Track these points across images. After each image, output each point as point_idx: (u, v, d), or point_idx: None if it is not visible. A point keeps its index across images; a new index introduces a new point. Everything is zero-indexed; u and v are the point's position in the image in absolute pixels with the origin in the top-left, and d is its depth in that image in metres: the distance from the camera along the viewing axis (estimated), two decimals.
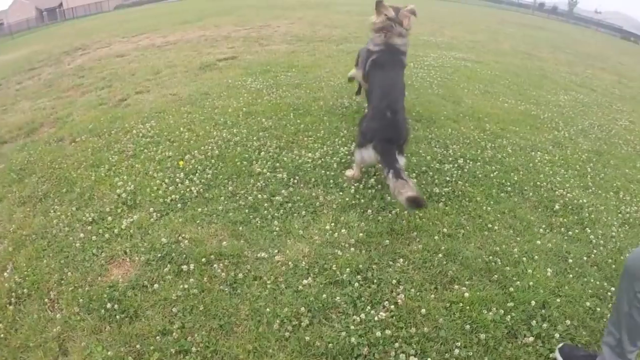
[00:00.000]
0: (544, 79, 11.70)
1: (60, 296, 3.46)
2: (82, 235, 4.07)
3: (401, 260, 3.68)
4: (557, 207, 4.74)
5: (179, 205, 4.41)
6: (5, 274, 3.75)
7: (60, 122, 7.29)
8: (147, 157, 5.40)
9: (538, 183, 5.19)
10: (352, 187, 4.62)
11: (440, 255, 3.75)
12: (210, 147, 5.50)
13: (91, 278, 3.59)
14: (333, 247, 3.79)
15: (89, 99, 8.52)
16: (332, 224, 4.07)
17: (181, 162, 5.17)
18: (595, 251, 4.07)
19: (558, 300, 3.41)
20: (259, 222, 4.12)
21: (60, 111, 7.96)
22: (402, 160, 4.27)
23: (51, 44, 20.48)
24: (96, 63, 12.51)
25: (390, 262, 3.66)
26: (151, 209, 4.34)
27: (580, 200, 4.94)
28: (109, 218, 4.27)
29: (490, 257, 3.80)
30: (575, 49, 21.93)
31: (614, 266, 3.88)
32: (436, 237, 3.96)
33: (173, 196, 4.53)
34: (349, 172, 4.81)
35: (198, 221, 4.16)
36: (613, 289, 3.54)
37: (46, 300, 3.44)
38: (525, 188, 5.03)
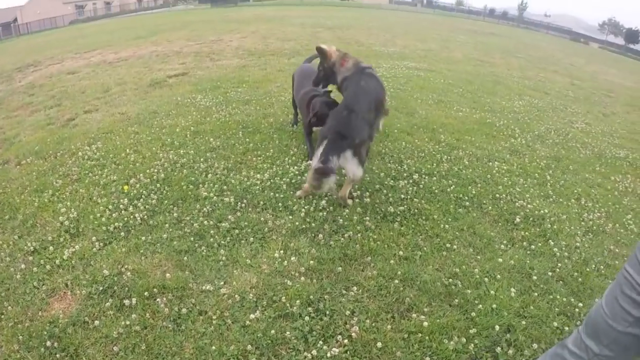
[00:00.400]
0: (498, 85, 11.76)
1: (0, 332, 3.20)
2: (23, 266, 3.79)
3: (355, 288, 3.44)
4: (517, 219, 4.58)
5: (122, 233, 4.13)
6: None
7: (7, 143, 6.99)
8: (92, 182, 5.12)
9: (497, 195, 5.04)
10: (303, 210, 4.38)
11: (396, 281, 3.52)
12: (156, 170, 5.23)
13: (32, 312, 3.33)
14: (282, 277, 3.54)
15: (38, 118, 8.21)
16: (282, 251, 3.81)
17: (126, 187, 4.89)
18: (559, 265, 3.94)
19: (523, 322, 3.22)
20: (204, 251, 3.84)
21: (8, 131, 7.65)
22: (351, 160, 4.14)
23: (4, 59, 19.86)
24: (47, 80, 12.15)
25: (344, 291, 3.42)
26: (94, 238, 4.05)
27: (542, 211, 4.81)
28: (51, 248, 3.98)
29: (450, 280, 3.59)
30: (526, 53, 22.32)
31: (580, 279, 3.76)
32: (392, 261, 3.74)
33: (116, 224, 4.24)
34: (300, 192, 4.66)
35: (142, 251, 3.88)
36: (581, 304, 3.43)
37: None
38: (484, 202, 4.87)
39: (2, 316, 3.32)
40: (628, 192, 5.85)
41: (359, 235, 4.03)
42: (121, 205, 4.55)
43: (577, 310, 3.38)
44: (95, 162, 5.64)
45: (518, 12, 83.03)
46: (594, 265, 4.00)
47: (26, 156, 6.10)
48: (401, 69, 12.02)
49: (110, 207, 4.54)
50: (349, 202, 4.54)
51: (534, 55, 22.47)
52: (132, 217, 4.35)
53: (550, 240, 4.30)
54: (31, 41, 32.84)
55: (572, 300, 3.50)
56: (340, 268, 3.63)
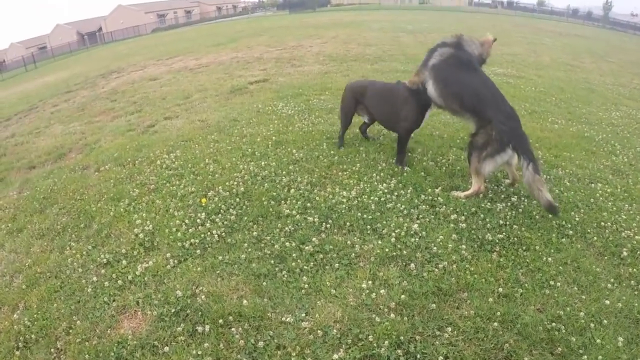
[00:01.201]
0: (592, 93, 11.12)
1: (67, 347, 3.18)
2: (95, 279, 3.76)
3: (449, 329, 3.12)
4: (624, 253, 4.10)
5: (198, 251, 3.99)
6: (15, 315, 3.54)
7: (88, 149, 7.15)
8: (169, 192, 5.06)
9: (602, 223, 4.56)
10: (393, 234, 4.08)
11: (495, 323, 3.18)
12: (235, 183, 5.10)
13: (100, 330, 3.27)
14: (370, 311, 3.26)
15: (118, 124, 8.40)
16: (369, 282, 3.53)
17: (204, 200, 4.77)
18: None
19: None
20: (285, 276, 3.62)
21: (89, 137, 7.86)
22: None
23: (88, 67, 20.83)
24: (129, 86, 12.58)
25: (437, 332, 3.12)
26: (168, 254, 3.94)
27: None
28: (124, 261, 3.92)
29: (553, 324, 3.22)
30: (617, 57, 21.15)
31: None
32: (490, 299, 3.40)
33: (193, 240, 4.12)
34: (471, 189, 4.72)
35: (218, 271, 3.72)
36: None
37: (52, 350, 3.19)
38: (588, 230, 4.42)
39: (71, 330, 3.29)
40: None
41: (454, 266, 3.71)
42: (198, 220, 4.43)
43: None
44: (173, 172, 5.60)
45: (603, 11, 79.21)
46: None
47: (105, 162, 6.18)
48: (490, 76, 11.41)
49: (186, 221, 4.43)
50: None
51: (625, 59, 21.24)
52: (209, 233, 4.21)
53: None
54: (115, 49, 34.49)
55: None
56: (434, 305, 3.32)
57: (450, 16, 42.99)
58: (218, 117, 7.78)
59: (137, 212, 4.71)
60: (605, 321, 3.28)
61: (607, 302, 3.46)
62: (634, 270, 3.90)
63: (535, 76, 12.36)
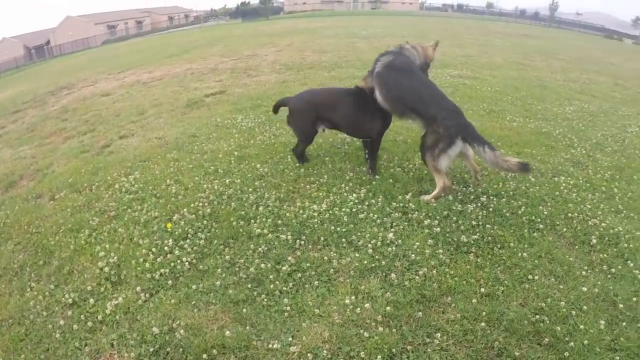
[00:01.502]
0: (545, 90, 11.38)
1: None
2: (62, 322, 3.53)
3: (439, 334, 3.12)
4: (594, 240, 4.26)
5: (169, 281, 3.81)
6: None
7: (40, 175, 6.79)
8: (131, 219, 4.82)
9: (569, 214, 4.70)
10: (369, 245, 4.05)
11: (482, 323, 3.21)
12: (201, 204, 4.92)
13: None
14: (357, 327, 3.22)
15: (71, 145, 8.04)
16: (352, 297, 3.49)
17: (169, 225, 4.57)
18: None
19: (617, 357, 3.00)
20: (265, 300, 3.53)
21: (41, 161, 7.48)
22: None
23: (37, 83, 20.17)
24: (80, 104, 12.13)
25: (427, 339, 3.11)
26: (138, 288, 3.75)
27: (616, 229, 4.48)
28: (91, 300, 3.70)
29: (537, 316, 3.29)
30: (565, 54, 21.78)
31: None
32: (474, 300, 3.42)
33: (162, 270, 3.93)
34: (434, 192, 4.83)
35: (193, 302, 3.57)
36: None
37: None
38: (557, 223, 4.54)
39: None
40: None
41: (434, 271, 3.72)
42: (166, 247, 4.23)
43: None
44: (133, 196, 5.36)
45: (549, 11, 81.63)
46: None
47: (60, 189, 5.88)
48: (445, 78, 11.71)
49: (153, 249, 4.23)
50: None
51: (573, 55, 21.91)
52: (179, 261, 4.03)
53: (629, 262, 4.00)
54: (64, 63, 33.49)
55: None
56: (420, 312, 3.31)
57: (402, 20, 43.63)
58: (176, 134, 7.59)
59: (99, 244, 4.47)
60: (585, 307, 3.40)
61: (584, 288, 3.58)
62: (605, 255, 4.07)
63: (490, 76, 12.59)
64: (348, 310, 3.36)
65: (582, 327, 3.20)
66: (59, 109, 12.05)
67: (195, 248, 4.19)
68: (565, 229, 4.45)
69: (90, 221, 4.90)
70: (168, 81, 13.46)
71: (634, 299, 3.53)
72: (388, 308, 3.34)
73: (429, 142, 4.76)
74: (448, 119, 4.67)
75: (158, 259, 4.08)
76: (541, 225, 4.46)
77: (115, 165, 6.38)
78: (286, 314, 3.37)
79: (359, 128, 5.43)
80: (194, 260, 4.04)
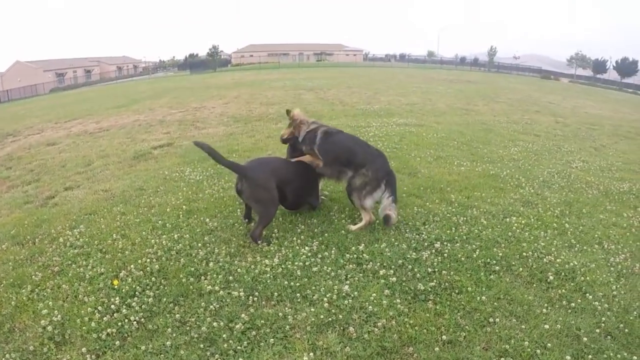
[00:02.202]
0: (489, 133, 11.74)
1: None
2: None
3: None
4: (550, 277, 4.31)
5: (117, 342, 3.53)
6: None
7: None
8: (76, 275, 4.53)
9: (524, 254, 4.76)
10: (324, 298, 3.93)
11: None
12: (149, 260, 4.69)
13: None
14: None
15: (15, 195, 7.67)
16: (310, 353, 3.32)
17: (116, 282, 4.32)
18: (603, 319, 3.72)
19: None
20: None
21: None
22: None
23: None
24: (25, 152, 11.72)
25: None
26: (84, 349, 3.46)
27: (571, 263, 4.59)
28: None
29: (502, 359, 3.24)
30: (506, 97, 22.64)
31: (626, 330, 3.58)
32: (436, 348, 3.33)
33: (109, 329, 3.65)
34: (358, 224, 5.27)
35: None
36: (635, 357, 3.27)
37: None
38: (513, 263, 4.57)
39: None
40: None
41: (393, 322, 3.62)
42: (112, 306, 3.95)
43: None
44: (78, 250, 5.06)
45: (488, 57, 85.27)
46: (635, 312, 3.85)
47: (2, 242, 5.51)
48: (392, 127, 11.95)
49: (99, 307, 3.94)
50: None
51: (513, 97, 22.79)
52: (126, 320, 3.77)
53: (587, 294, 4.07)
54: (11, 109, 32.54)
55: (626, 354, 3.32)
56: None
57: (347, 72, 44.69)
58: (123, 186, 7.37)
59: (42, 300, 4.14)
60: (549, 344, 3.39)
61: (547, 326, 3.58)
62: (563, 291, 4.11)
63: (435, 123, 12.90)
64: None
65: None
66: (4, 156, 11.61)
67: (143, 306, 3.95)
68: (521, 269, 4.47)
69: (33, 276, 4.57)
70: (115, 132, 13.28)
71: (597, 330, 3.56)
72: None
73: (357, 184, 5.26)
74: (375, 163, 5.29)
75: (104, 318, 3.80)
76: (497, 267, 4.46)
77: (59, 218, 6.09)
78: None
79: (304, 198, 5.66)
80: (142, 319, 3.79)
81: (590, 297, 4.02)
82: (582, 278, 4.33)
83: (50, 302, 4.05)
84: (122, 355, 3.41)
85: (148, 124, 14.22)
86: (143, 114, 16.63)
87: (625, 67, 75.41)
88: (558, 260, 4.64)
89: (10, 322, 3.86)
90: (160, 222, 5.62)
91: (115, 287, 4.25)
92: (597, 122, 16.10)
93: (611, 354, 3.29)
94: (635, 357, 3.25)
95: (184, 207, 6.09)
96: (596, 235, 5.38)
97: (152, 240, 5.13)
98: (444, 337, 3.45)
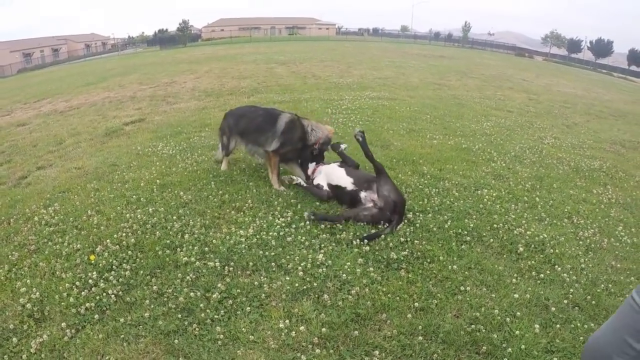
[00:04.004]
0: (462, 108, 11.84)
1: None
2: None
3: (377, 352, 3.06)
4: (520, 248, 4.40)
5: (96, 315, 3.54)
6: None
7: None
8: (52, 252, 4.49)
9: (495, 225, 4.85)
10: (299, 267, 3.97)
11: (419, 337, 3.19)
12: (124, 234, 4.68)
13: None
14: (294, 351, 3.12)
15: None
16: (286, 320, 3.38)
17: (92, 257, 4.30)
18: (571, 290, 3.83)
19: (555, 358, 3.07)
20: (197, 329, 3.35)
21: None
22: None
23: None
24: None
25: (365, 358, 3.04)
26: (63, 324, 3.46)
27: (541, 236, 4.70)
28: (14, 339, 3.35)
29: (472, 326, 3.31)
30: (479, 73, 22.76)
31: (593, 302, 3.69)
32: (409, 315, 3.40)
33: (88, 304, 3.65)
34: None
35: (122, 335, 3.34)
36: None
37: None
38: (484, 234, 4.67)
39: None
40: (612, 204, 5.94)
41: (367, 289, 3.68)
42: (90, 280, 3.95)
43: None
44: (54, 228, 5.02)
45: (462, 33, 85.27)
46: (602, 285, 3.96)
47: None
48: (364, 100, 11.99)
49: (77, 283, 3.93)
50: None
51: (487, 74, 22.92)
52: (104, 294, 3.77)
53: (556, 266, 4.18)
54: None
55: (593, 325, 3.40)
56: (356, 332, 3.24)
57: (320, 45, 44.41)
58: (95, 163, 7.30)
59: (19, 279, 4.09)
60: (518, 313, 3.47)
61: (516, 295, 3.67)
62: (532, 262, 4.22)
63: (408, 97, 12.98)
64: (283, 334, 3.25)
65: (517, 332, 3.25)
66: None
67: (120, 280, 3.95)
68: (492, 240, 4.57)
69: (10, 256, 4.52)
70: (86, 110, 13.05)
71: (565, 301, 3.67)
72: (323, 329, 3.26)
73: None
74: None
75: (83, 293, 3.79)
76: (468, 238, 4.55)
77: (33, 197, 6.01)
78: (219, 342, 3.22)
79: None
80: (120, 293, 3.79)
81: (559, 269, 4.14)
82: (552, 250, 4.44)
83: (28, 280, 4.02)
84: (101, 328, 3.41)
85: (119, 100, 14.03)
86: (113, 91, 16.39)
87: (600, 48, 76.31)
88: (528, 232, 4.75)
89: None
90: (134, 196, 5.60)
91: (92, 262, 4.23)
92: (570, 100, 16.31)
93: (578, 324, 3.39)
94: None
95: (157, 181, 6.07)
96: (566, 210, 5.50)
97: (127, 215, 5.12)
98: (416, 304, 3.52)
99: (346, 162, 5.57)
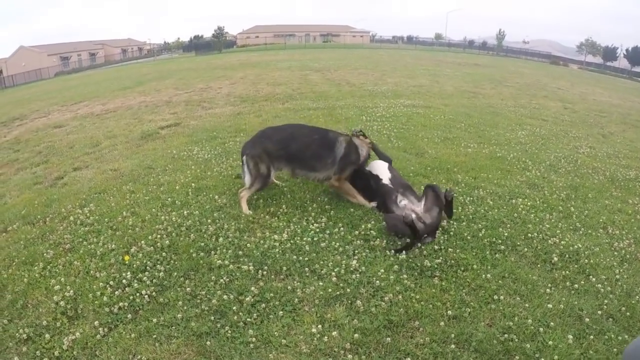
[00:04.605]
0: (497, 116, 11.70)
1: None
2: (16, 358, 3.27)
3: (409, 359, 3.07)
4: (555, 258, 4.36)
5: (129, 315, 3.60)
6: None
7: None
8: (87, 252, 4.57)
9: (529, 235, 4.80)
10: (332, 273, 3.99)
11: (452, 345, 3.18)
12: (159, 236, 4.74)
13: None
14: (325, 356, 3.13)
15: (24, 177, 7.70)
16: (319, 325, 3.40)
17: (127, 257, 4.37)
18: (605, 301, 3.77)
19: None
20: (229, 331, 3.38)
21: None
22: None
23: None
24: (33, 135, 11.70)
25: None
26: (96, 322, 3.52)
27: (575, 246, 4.63)
28: (47, 335, 3.43)
29: (505, 335, 3.29)
30: (514, 81, 22.49)
31: (628, 314, 3.63)
32: (442, 323, 3.40)
33: (121, 303, 3.71)
34: None
35: (154, 335, 3.38)
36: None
37: None
38: (518, 243, 4.62)
39: None
40: None
41: (400, 296, 3.68)
42: (124, 280, 4.01)
43: None
44: (89, 228, 5.11)
45: (497, 41, 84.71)
46: (637, 297, 3.89)
47: (12, 221, 5.56)
48: (399, 108, 11.96)
49: (111, 282, 4.00)
50: (243, 205, 5.23)
51: (521, 82, 22.65)
52: (138, 294, 3.83)
53: (590, 277, 4.13)
54: (16, 94, 32.25)
55: (627, 337, 3.35)
56: (388, 338, 3.25)
57: (354, 53, 44.42)
58: (131, 166, 7.40)
59: (54, 277, 4.19)
60: (552, 323, 3.44)
61: (550, 305, 3.63)
62: (566, 272, 4.16)
63: (442, 105, 12.89)
64: (315, 339, 3.27)
65: (550, 343, 3.22)
66: (11, 140, 11.58)
67: (154, 280, 4.00)
68: (526, 249, 4.52)
69: (45, 254, 4.62)
70: (122, 113, 13.24)
71: (599, 312, 3.62)
72: (356, 335, 3.26)
73: None
74: None
75: (116, 292, 3.86)
76: (502, 247, 4.51)
77: (69, 197, 6.13)
78: (252, 345, 3.25)
79: None
80: (153, 293, 3.85)
81: (594, 279, 4.07)
82: (586, 261, 4.38)
83: (62, 279, 4.11)
84: (134, 327, 3.47)
85: (154, 104, 14.19)
86: (149, 95, 16.59)
87: (636, 56, 74.65)
88: (562, 242, 4.69)
89: (23, 299, 3.91)
90: (169, 199, 5.67)
91: (126, 262, 4.30)
92: (606, 109, 16.00)
93: (612, 336, 3.35)
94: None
95: (192, 184, 6.13)
96: (601, 220, 5.41)
97: (162, 217, 5.18)
98: (449, 312, 3.52)
99: (381, 158, 5.67)
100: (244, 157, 5.29)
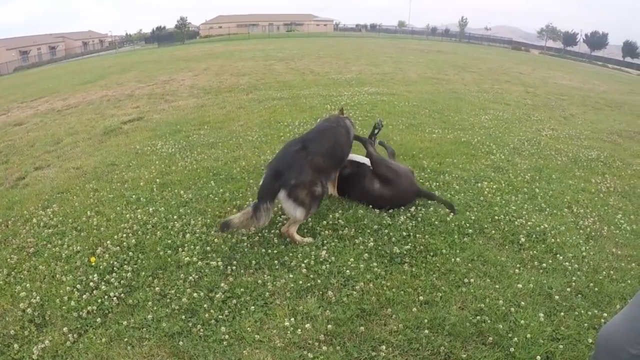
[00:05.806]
0: (460, 102, 11.84)
1: None
2: None
3: (383, 347, 3.07)
4: (522, 239, 4.43)
5: (98, 319, 3.50)
6: None
7: None
8: (52, 255, 4.43)
9: (496, 217, 4.86)
10: (302, 264, 3.96)
11: (425, 330, 3.19)
12: (125, 235, 4.63)
13: None
14: (300, 349, 3.11)
15: None
16: (292, 318, 3.37)
17: (93, 259, 4.25)
18: (574, 278, 3.87)
19: (561, 346, 3.07)
20: (201, 330, 3.32)
21: None
22: (287, 201, 4.18)
23: None
24: None
25: (372, 353, 3.04)
26: (65, 329, 3.40)
27: (541, 226, 4.72)
28: (15, 345, 3.30)
29: (478, 317, 3.33)
30: (477, 67, 22.78)
31: (596, 289, 3.73)
32: (414, 309, 3.40)
33: (89, 307, 3.60)
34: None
35: (126, 339, 3.30)
36: (605, 314, 3.41)
37: None
38: (485, 226, 4.68)
39: None
40: (611, 192, 5.99)
41: (371, 284, 3.68)
42: (91, 283, 3.89)
43: (602, 321, 3.32)
44: (53, 230, 4.96)
45: (459, 28, 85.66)
46: (604, 272, 4.00)
47: None
48: (363, 95, 12.00)
49: (78, 286, 3.87)
50: (297, 238, 4.35)
51: (484, 67, 22.96)
52: (106, 296, 3.71)
53: (558, 255, 4.21)
54: None
55: (596, 312, 3.45)
56: (362, 327, 3.24)
57: (318, 42, 44.48)
58: (94, 163, 7.24)
59: (19, 283, 4.03)
60: (523, 303, 3.50)
61: (520, 285, 3.69)
62: (534, 252, 4.25)
63: (406, 92, 12.98)
64: (289, 332, 3.24)
65: (522, 322, 3.27)
66: None
67: (122, 282, 3.90)
68: (493, 231, 4.58)
69: (8, 259, 4.46)
70: (83, 109, 12.95)
71: (568, 289, 3.69)
72: (329, 326, 3.25)
73: None
74: None
75: (84, 296, 3.74)
76: (470, 230, 4.56)
77: (31, 198, 5.95)
78: (225, 342, 3.20)
79: None
80: (122, 295, 3.75)
81: (561, 258, 4.16)
82: (553, 240, 4.46)
83: (27, 284, 3.96)
84: (104, 332, 3.37)
85: (116, 99, 13.92)
86: (111, 89, 16.29)
87: (596, 41, 76.54)
88: (529, 223, 4.77)
89: None
90: (134, 196, 5.57)
91: (93, 264, 4.18)
92: (567, 92, 16.32)
93: (582, 311, 3.42)
94: (605, 314, 3.38)
95: (157, 180, 6.03)
96: (565, 200, 5.53)
97: (127, 215, 5.08)
98: (420, 297, 3.53)
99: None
100: (285, 192, 4.15)
